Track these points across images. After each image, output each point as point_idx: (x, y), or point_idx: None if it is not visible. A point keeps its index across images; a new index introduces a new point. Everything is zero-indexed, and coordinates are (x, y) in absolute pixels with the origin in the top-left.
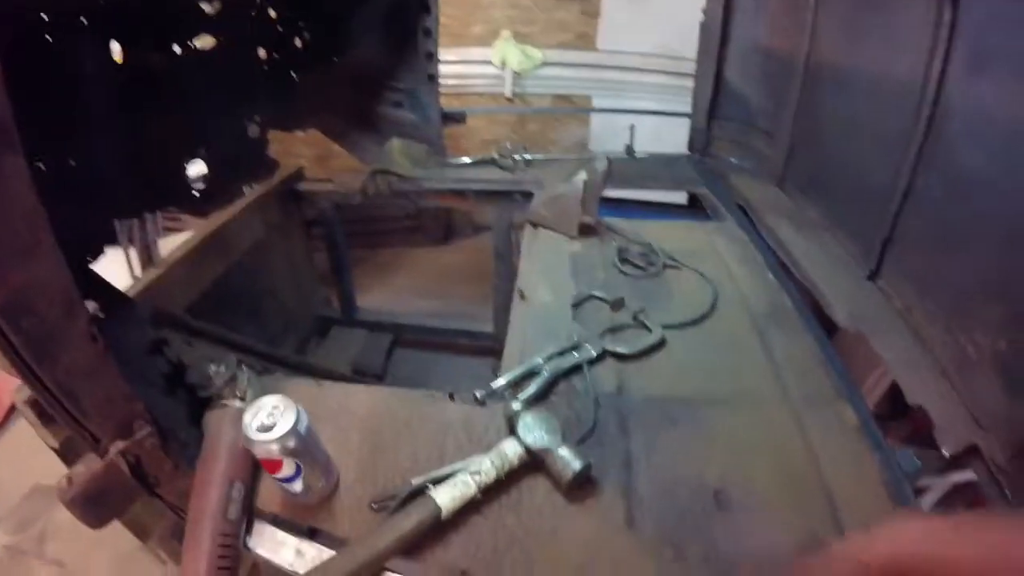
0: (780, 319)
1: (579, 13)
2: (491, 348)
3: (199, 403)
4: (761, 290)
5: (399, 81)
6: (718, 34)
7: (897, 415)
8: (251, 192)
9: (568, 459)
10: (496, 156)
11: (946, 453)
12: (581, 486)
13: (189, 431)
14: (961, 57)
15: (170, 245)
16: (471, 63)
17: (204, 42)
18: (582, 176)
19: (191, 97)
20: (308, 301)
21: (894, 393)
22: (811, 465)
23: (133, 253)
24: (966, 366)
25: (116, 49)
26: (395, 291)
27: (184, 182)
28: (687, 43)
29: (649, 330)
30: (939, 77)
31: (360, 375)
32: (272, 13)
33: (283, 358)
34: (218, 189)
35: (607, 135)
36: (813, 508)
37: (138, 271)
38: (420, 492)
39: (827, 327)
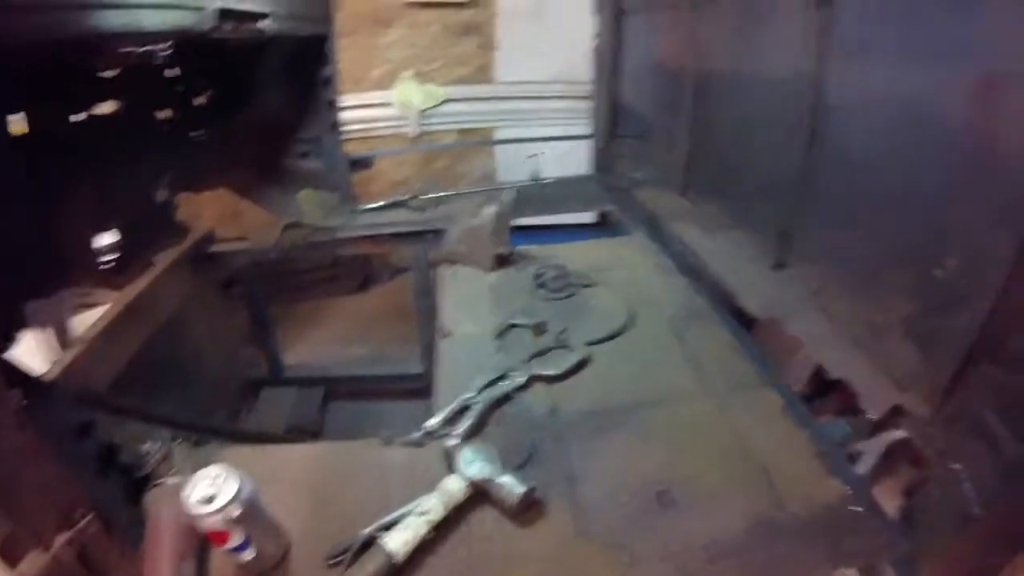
0: (696, 319)
1: (476, 47)
2: (424, 389)
3: (136, 483)
4: (675, 294)
5: (303, 131)
6: (611, 57)
7: (826, 390)
8: (163, 259)
9: (511, 485)
10: (406, 197)
11: (872, 417)
12: (528, 508)
13: (129, 513)
14: (836, 50)
15: (84, 322)
16: (374, 106)
17: (106, 107)
18: (491, 209)
19: (96, 166)
20: (234, 365)
21: (820, 371)
22: (745, 450)
23: (46, 335)
24: (878, 334)
25: (17, 120)
26: (320, 343)
27: (94, 255)
28: (582, 67)
29: (572, 350)
30: (818, 71)
31: (296, 434)
32: (170, 73)
33: (215, 427)
34: (129, 259)
35: (513, 164)
36: (754, 491)
37: (53, 352)
38: (372, 541)
39: (746, 319)
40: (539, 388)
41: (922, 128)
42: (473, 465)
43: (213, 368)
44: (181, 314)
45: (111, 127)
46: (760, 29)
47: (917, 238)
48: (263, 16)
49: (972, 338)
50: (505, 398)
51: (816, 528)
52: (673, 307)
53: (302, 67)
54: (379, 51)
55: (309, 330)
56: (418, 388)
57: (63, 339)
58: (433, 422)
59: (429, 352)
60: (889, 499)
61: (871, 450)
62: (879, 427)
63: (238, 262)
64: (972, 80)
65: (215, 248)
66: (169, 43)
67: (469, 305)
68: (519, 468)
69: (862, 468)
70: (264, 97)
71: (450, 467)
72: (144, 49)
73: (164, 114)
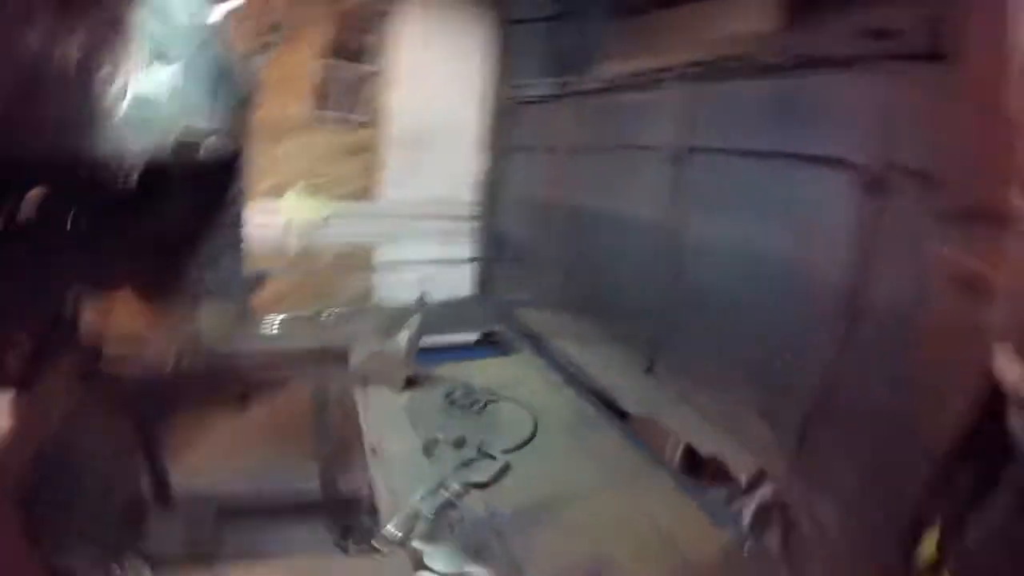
0: (588, 422)
1: (363, 168)
2: (319, 503)
3: None
4: (566, 402)
5: (206, 244)
6: (495, 190)
7: (698, 464)
8: (56, 369)
9: (479, 574)
10: (308, 315)
11: (742, 481)
12: None
13: None
14: (691, 200)
15: None
16: (261, 215)
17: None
18: (404, 334)
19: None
20: (122, 479)
21: (689, 450)
22: (650, 523)
23: None
24: (737, 417)
25: None
26: (205, 456)
27: None
28: (462, 190)
29: (494, 458)
30: (679, 213)
31: (195, 555)
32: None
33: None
34: (33, 370)
35: (391, 283)
36: (665, 553)
37: None
38: None
39: (624, 416)
40: (474, 493)
41: (756, 261)
42: (442, 561)
43: (96, 488)
44: (70, 423)
45: (24, 226)
46: (629, 175)
47: (760, 341)
48: (210, 134)
49: (807, 408)
50: (447, 504)
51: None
52: (567, 414)
53: (211, 178)
54: (272, 162)
55: (193, 442)
56: (314, 503)
57: None
58: (389, 530)
59: (327, 466)
60: (770, 539)
61: (748, 505)
62: (749, 487)
63: (130, 373)
64: (790, 229)
65: (108, 353)
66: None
67: (389, 424)
68: (475, 562)
69: (744, 519)
70: (170, 208)
71: (419, 566)
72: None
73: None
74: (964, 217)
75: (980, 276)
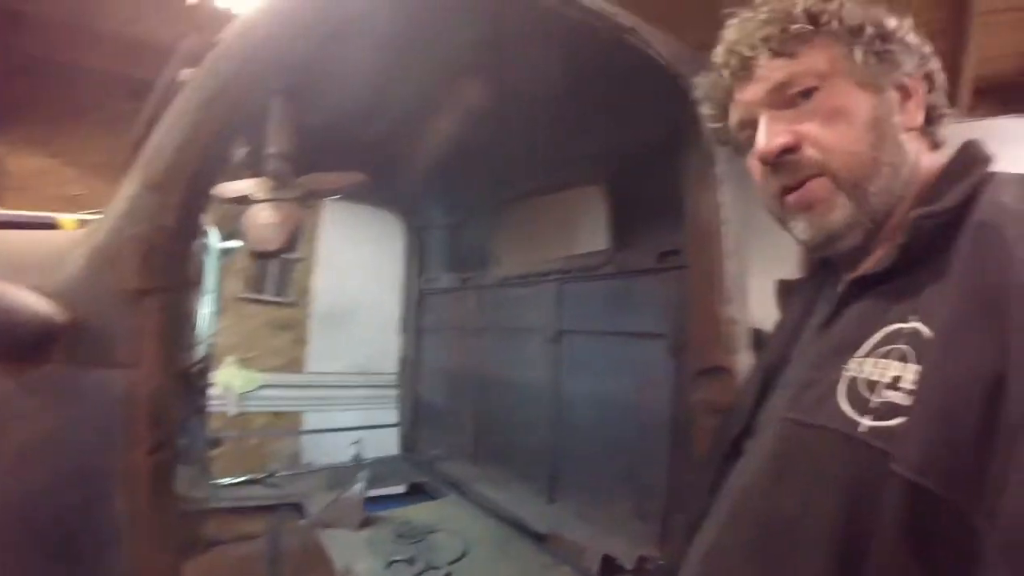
0: (506, 540)
1: (291, 341)
2: None
3: None
4: (488, 529)
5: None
6: (413, 365)
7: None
8: None
9: None
10: (261, 476)
11: (628, 568)
12: None
13: None
14: (566, 367)
15: None
16: None
17: None
18: (359, 487)
19: None
20: None
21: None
22: None
23: None
24: (620, 522)
25: None
26: None
27: None
28: (381, 360)
29: (439, 568)
30: (558, 378)
31: None
32: None
33: None
34: None
35: (318, 446)
36: None
37: None
38: None
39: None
40: None
41: (613, 408)
42: None
43: None
44: None
45: None
46: (520, 350)
47: (626, 463)
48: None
49: (664, 504)
50: None
51: None
52: (490, 536)
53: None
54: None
55: None
56: None
57: None
58: None
59: None
60: None
61: None
62: (635, 572)
63: None
64: (634, 383)
65: None
66: None
67: (353, 553)
68: None
69: None
70: None
71: None
72: None
73: None
74: (703, 373)
75: (718, 403)
